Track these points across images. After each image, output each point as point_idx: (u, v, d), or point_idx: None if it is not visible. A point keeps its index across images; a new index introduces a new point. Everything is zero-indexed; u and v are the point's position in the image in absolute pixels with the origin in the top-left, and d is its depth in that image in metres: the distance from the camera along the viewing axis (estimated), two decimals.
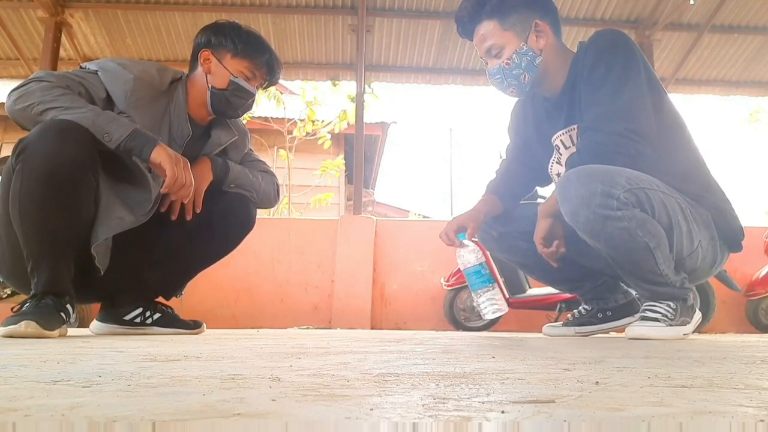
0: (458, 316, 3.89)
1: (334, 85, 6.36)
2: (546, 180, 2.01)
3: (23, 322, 1.37)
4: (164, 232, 1.81)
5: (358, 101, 4.90)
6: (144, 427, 0.36)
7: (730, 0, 4.85)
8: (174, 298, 2.02)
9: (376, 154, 9.09)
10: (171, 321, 1.93)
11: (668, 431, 0.37)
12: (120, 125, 1.55)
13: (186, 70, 1.90)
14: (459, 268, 2.09)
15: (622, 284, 2.01)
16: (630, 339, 1.61)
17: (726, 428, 0.38)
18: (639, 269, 1.63)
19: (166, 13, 5.00)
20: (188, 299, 2.11)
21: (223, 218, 1.88)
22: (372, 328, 4.02)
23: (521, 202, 2.08)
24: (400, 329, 4.01)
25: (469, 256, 1.83)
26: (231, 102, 1.85)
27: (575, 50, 1.82)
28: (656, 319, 1.62)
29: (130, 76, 1.69)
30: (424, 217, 10.86)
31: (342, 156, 7.81)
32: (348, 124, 6.85)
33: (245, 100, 1.87)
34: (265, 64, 1.88)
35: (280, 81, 4.62)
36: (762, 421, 0.39)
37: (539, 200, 2.63)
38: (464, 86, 5.85)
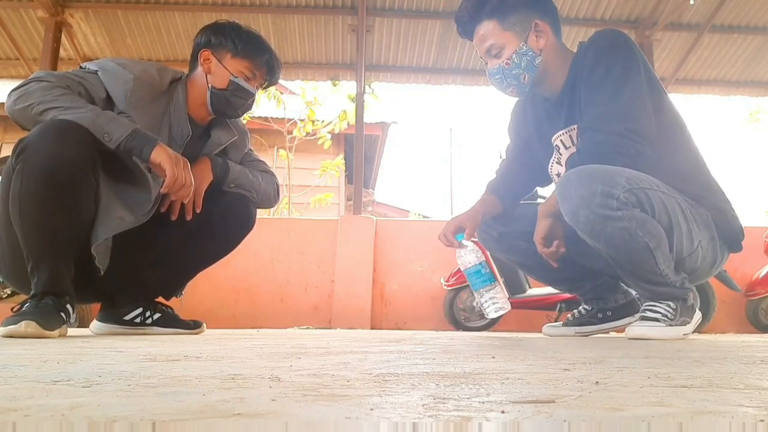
0: (458, 316, 3.89)
1: (334, 85, 6.36)
2: (546, 180, 2.01)
3: (23, 322, 1.37)
4: (164, 232, 1.81)
5: (358, 101, 4.91)
6: (144, 427, 0.36)
7: (730, 0, 4.85)
8: (174, 298, 2.02)
9: (376, 154, 9.09)
10: (171, 321, 1.93)
11: (668, 431, 0.37)
12: (120, 125, 1.55)
13: (186, 70, 1.90)
14: (459, 268, 2.10)
15: (622, 284, 2.01)
16: (630, 339, 1.61)
17: (726, 428, 0.38)
18: (639, 269, 1.63)
19: (166, 13, 5.00)
20: (188, 299, 2.11)
21: (223, 218, 1.88)
22: (372, 328, 4.02)
23: (521, 202, 2.08)
24: (400, 329, 4.01)
25: (469, 256, 1.83)
26: (231, 102, 1.85)
27: (575, 50, 1.82)
28: (656, 319, 1.62)
29: (130, 76, 1.69)
30: (424, 217, 10.86)
31: (342, 156, 7.81)
32: (348, 124, 6.85)
33: (245, 100, 1.87)
34: (265, 64, 1.88)
35: (280, 81, 4.62)
36: (762, 421, 0.39)
37: (539, 200, 2.63)
38: (464, 86, 5.85)
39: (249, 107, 1.93)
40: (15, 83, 1.65)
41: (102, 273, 1.63)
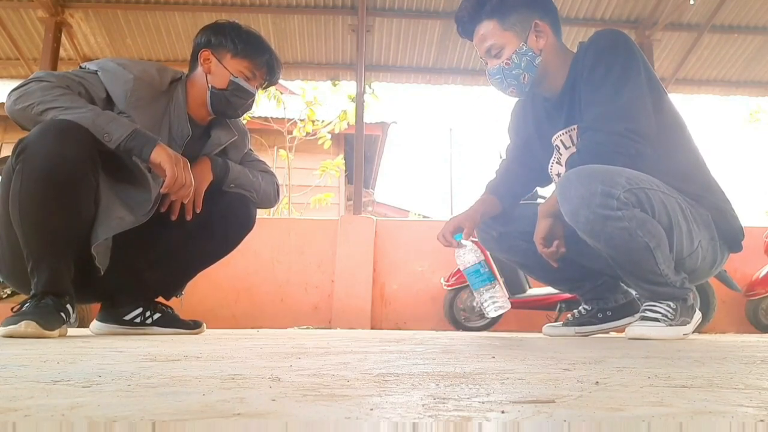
0: (458, 316, 3.89)
1: (334, 85, 6.36)
2: (546, 180, 2.01)
3: (23, 322, 1.37)
4: (164, 232, 1.81)
5: (358, 101, 4.91)
6: (144, 427, 0.36)
7: (730, 0, 4.85)
8: (174, 298, 2.02)
9: (376, 154, 9.09)
10: (171, 321, 1.93)
11: (668, 431, 0.37)
12: (120, 125, 1.55)
13: (186, 70, 1.90)
14: (459, 268, 2.10)
15: (622, 284, 2.01)
16: (630, 339, 1.61)
17: (726, 428, 0.38)
18: (639, 269, 1.63)
19: (166, 13, 5.00)
20: (188, 299, 2.11)
21: (223, 218, 1.88)
22: (372, 328, 4.02)
23: (521, 202, 2.08)
24: (400, 329, 4.01)
25: (468, 255, 1.83)
26: (231, 102, 1.85)
27: (575, 50, 1.82)
28: (656, 319, 1.62)
29: (130, 76, 1.69)
30: (424, 217, 10.86)
31: (342, 156, 7.81)
32: (348, 124, 6.85)
33: (245, 100, 1.88)
34: (265, 64, 1.88)
35: (280, 81, 4.62)
36: (762, 421, 0.39)
37: (539, 200, 2.63)
38: (464, 86, 5.85)
39: (249, 107, 1.93)
40: (15, 83, 1.65)
41: (102, 273, 1.62)
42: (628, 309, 1.99)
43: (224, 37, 1.84)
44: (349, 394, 0.50)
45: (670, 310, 1.62)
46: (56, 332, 1.45)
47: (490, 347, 1.24)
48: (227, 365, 0.77)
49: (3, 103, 1.75)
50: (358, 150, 4.77)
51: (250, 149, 2.06)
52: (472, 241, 1.89)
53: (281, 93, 6.96)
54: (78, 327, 2.85)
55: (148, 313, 1.89)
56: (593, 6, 5.03)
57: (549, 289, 3.40)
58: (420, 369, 0.73)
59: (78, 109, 1.53)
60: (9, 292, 2.53)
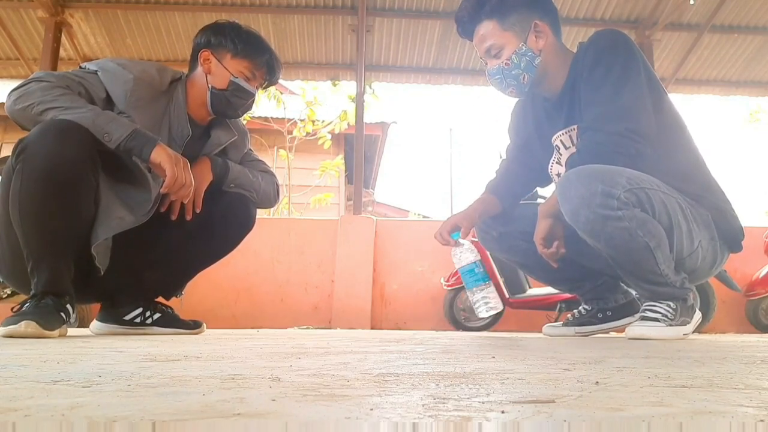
0: (458, 316, 3.88)
1: (334, 85, 6.36)
2: (546, 180, 2.01)
3: (23, 322, 1.37)
4: (164, 232, 1.81)
5: (358, 101, 4.90)
6: (144, 427, 0.36)
7: (730, 0, 4.85)
8: (174, 298, 2.02)
9: (376, 154, 9.09)
10: (171, 321, 1.93)
11: (668, 431, 0.37)
12: (120, 125, 1.55)
13: (186, 70, 1.90)
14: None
15: (622, 284, 2.01)
16: (630, 339, 1.61)
17: (726, 428, 0.38)
18: (639, 269, 1.63)
19: (166, 13, 5.00)
20: (188, 299, 2.11)
21: (223, 218, 1.88)
22: (372, 328, 4.02)
23: (521, 202, 2.08)
24: (400, 329, 4.01)
25: (464, 254, 1.84)
26: (231, 102, 1.85)
27: (575, 50, 1.82)
28: (656, 319, 1.62)
29: (129, 76, 1.69)
30: (424, 217, 10.86)
31: (342, 156, 7.81)
32: (348, 124, 6.85)
33: (245, 100, 1.88)
34: (265, 64, 1.88)
35: (280, 81, 4.62)
36: (762, 421, 0.39)
37: (539, 200, 2.63)
38: (464, 86, 5.85)
39: (249, 107, 1.93)
40: (15, 83, 1.65)
41: (102, 273, 1.63)
42: (628, 309, 1.99)
43: (224, 37, 1.84)
44: (349, 394, 0.50)
45: (670, 310, 1.62)
46: (56, 332, 1.45)
47: (490, 347, 1.24)
48: (227, 365, 0.77)
49: (3, 103, 1.75)
50: (358, 150, 4.77)
51: (250, 149, 2.06)
52: (471, 241, 1.89)
53: (281, 93, 6.97)
54: (78, 327, 2.85)
55: (148, 313, 1.89)
56: (593, 6, 5.03)
57: (549, 289, 3.40)
58: (420, 369, 0.73)
59: (78, 109, 1.53)
60: (9, 292, 2.53)
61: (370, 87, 6.28)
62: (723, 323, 4.02)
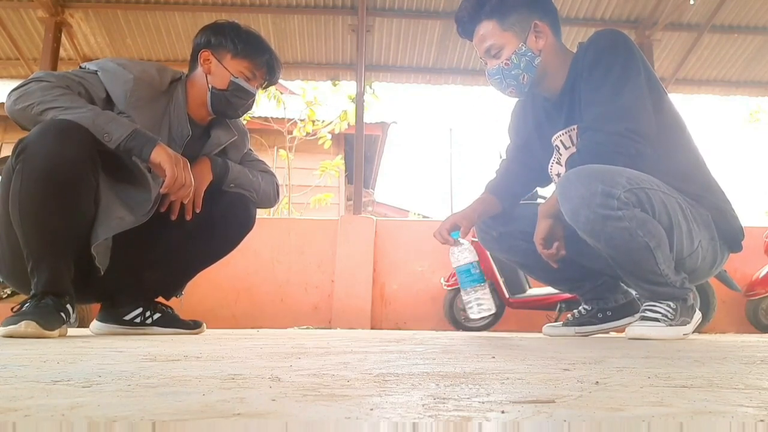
0: (458, 316, 3.88)
1: (334, 85, 6.36)
2: (546, 180, 2.01)
3: (23, 322, 1.37)
4: (164, 232, 1.81)
5: (358, 101, 4.91)
6: (144, 427, 0.36)
7: (730, 0, 4.85)
8: (174, 298, 2.02)
9: (376, 154, 9.09)
10: (171, 321, 1.93)
11: (668, 431, 0.37)
12: (120, 125, 1.55)
13: (186, 70, 1.90)
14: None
15: (622, 284, 2.01)
16: (630, 339, 1.61)
17: (726, 428, 0.38)
18: (639, 269, 1.63)
19: (166, 13, 5.00)
20: (188, 299, 2.11)
21: (223, 218, 1.88)
22: (372, 328, 4.02)
23: (521, 202, 2.08)
24: (400, 329, 4.01)
25: (461, 254, 1.84)
26: (231, 102, 1.85)
27: (575, 50, 1.82)
28: (656, 319, 1.62)
29: (129, 76, 1.69)
30: (423, 217, 10.86)
31: (342, 156, 7.81)
32: (348, 124, 6.85)
33: (245, 100, 1.88)
34: (265, 64, 1.88)
35: (280, 81, 4.62)
36: (762, 421, 0.39)
37: (539, 200, 2.63)
38: (464, 86, 5.85)
39: (249, 107, 1.93)
40: (15, 83, 1.65)
41: (102, 273, 1.63)
42: (628, 309, 1.99)
43: (224, 37, 1.84)
44: (349, 394, 0.50)
45: (670, 310, 1.62)
46: (56, 332, 1.45)
47: (490, 347, 1.24)
48: (227, 365, 0.77)
49: (3, 103, 1.75)
50: (358, 150, 4.77)
51: (250, 149, 2.06)
52: (471, 241, 1.89)
53: (281, 93, 6.97)
54: (78, 327, 2.85)
55: (148, 313, 1.89)
56: (593, 6, 5.03)
57: (549, 289, 3.40)
58: (420, 369, 0.73)
59: (78, 109, 1.53)
60: (9, 292, 2.53)
61: (370, 87, 6.29)
62: (723, 323, 4.02)
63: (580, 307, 2.08)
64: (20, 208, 1.48)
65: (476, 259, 1.85)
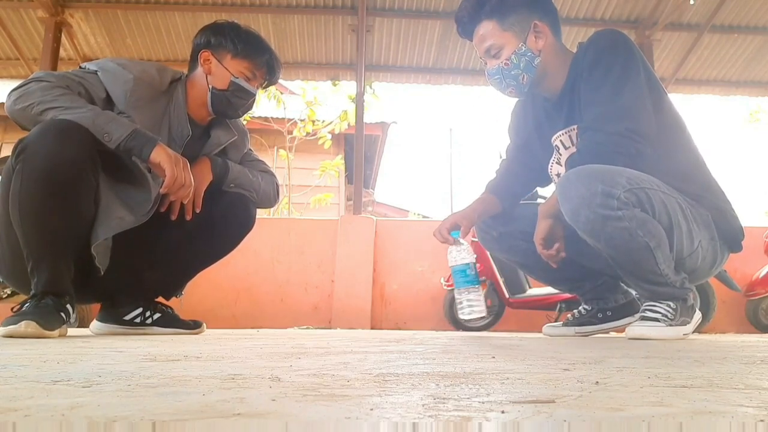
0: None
1: (334, 85, 6.37)
2: (546, 180, 2.01)
3: (23, 322, 1.37)
4: (164, 232, 1.81)
5: (358, 101, 4.91)
6: (144, 427, 0.36)
7: (730, 0, 4.85)
8: (174, 298, 2.02)
9: (376, 154, 9.09)
10: (171, 321, 1.93)
11: (668, 431, 0.37)
12: (120, 125, 1.55)
13: (186, 70, 1.90)
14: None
15: (622, 284, 2.01)
16: (630, 339, 1.61)
17: (726, 428, 0.38)
18: (639, 269, 1.63)
19: (166, 13, 5.00)
20: (188, 299, 2.11)
21: (223, 218, 1.88)
22: (372, 328, 4.02)
23: (521, 202, 2.08)
24: (400, 329, 4.01)
25: (459, 254, 1.84)
26: (232, 102, 1.85)
27: (575, 50, 1.82)
28: (656, 319, 1.62)
29: (129, 76, 1.69)
30: (423, 217, 10.86)
31: (342, 156, 7.82)
32: (348, 124, 6.85)
33: (246, 100, 1.88)
34: (265, 64, 1.88)
35: (280, 81, 4.62)
36: (762, 421, 0.39)
37: (539, 200, 2.63)
38: (464, 86, 5.85)
39: (249, 107, 1.93)
40: (15, 83, 1.65)
41: (102, 273, 1.62)
42: (628, 309, 1.99)
43: (224, 37, 1.84)
44: (349, 394, 0.50)
45: (670, 310, 1.62)
46: (56, 332, 1.45)
47: (490, 347, 1.24)
48: (227, 365, 0.77)
49: (3, 103, 1.75)
50: (358, 150, 4.77)
51: (250, 149, 2.06)
52: (471, 241, 1.89)
53: (281, 93, 6.97)
54: (78, 327, 2.85)
55: (148, 313, 1.89)
56: (593, 6, 5.03)
57: (549, 289, 3.40)
58: (420, 369, 0.73)
59: (78, 109, 1.53)
60: (9, 292, 2.53)
61: (370, 87, 6.29)
62: (723, 323, 4.02)
63: (580, 307, 2.08)
64: (20, 208, 1.48)
65: (473, 261, 1.85)
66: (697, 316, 1.73)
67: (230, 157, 1.94)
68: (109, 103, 1.66)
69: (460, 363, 0.82)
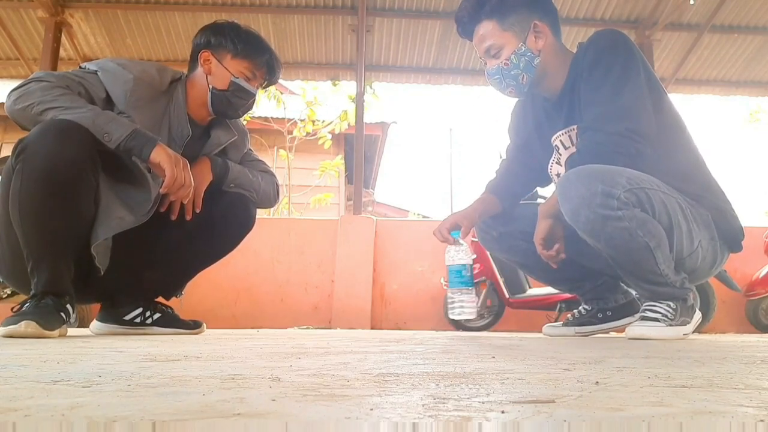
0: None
1: (334, 85, 6.37)
2: (546, 180, 2.01)
3: (23, 322, 1.37)
4: (164, 232, 1.81)
5: (358, 101, 4.91)
6: (144, 427, 0.36)
7: (730, 0, 4.85)
8: (174, 298, 2.02)
9: (376, 154, 9.09)
10: (171, 321, 1.93)
11: (668, 431, 0.37)
12: (120, 125, 1.55)
13: (186, 70, 1.90)
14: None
15: (622, 284, 2.01)
16: (630, 339, 1.61)
17: (726, 428, 0.38)
18: (639, 269, 1.63)
19: (166, 13, 5.01)
20: (188, 299, 2.11)
21: (223, 218, 1.88)
22: (372, 328, 4.02)
23: (521, 202, 2.08)
24: (400, 329, 4.01)
25: (457, 254, 1.85)
26: (232, 102, 1.85)
27: (575, 50, 1.82)
28: (656, 319, 1.62)
29: (129, 76, 1.69)
30: (423, 217, 10.86)
31: (342, 156, 7.82)
32: (348, 124, 6.85)
33: (246, 100, 1.88)
34: (265, 64, 1.88)
35: (280, 81, 4.62)
36: (762, 421, 0.39)
37: (539, 200, 2.63)
38: (464, 86, 5.86)
39: (249, 107, 1.93)
40: (15, 83, 1.65)
41: (102, 273, 1.63)
42: (628, 309, 1.99)
43: (224, 37, 1.84)
44: (349, 394, 0.50)
45: (670, 310, 1.62)
46: (56, 332, 1.45)
47: (490, 347, 1.24)
48: (227, 365, 0.77)
49: (3, 103, 1.75)
50: (358, 150, 4.77)
51: (250, 149, 2.06)
52: (471, 241, 1.90)
53: (281, 93, 6.97)
54: (78, 327, 2.85)
55: (148, 313, 1.89)
56: (593, 6, 5.03)
57: (549, 289, 3.40)
58: (420, 369, 0.73)
59: (78, 109, 1.53)
60: (9, 292, 2.53)
61: (370, 87, 6.29)
62: (723, 323, 4.02)
63: (580, 307, 2.08)
64: (20, 208, 1.48)
65: (470, 262, 1.86)
66: (697, 316, 1.73)
67: (230, 157, 1.94)
68: (109, 103, 1.66)
69: (460, 363, 0.82)
